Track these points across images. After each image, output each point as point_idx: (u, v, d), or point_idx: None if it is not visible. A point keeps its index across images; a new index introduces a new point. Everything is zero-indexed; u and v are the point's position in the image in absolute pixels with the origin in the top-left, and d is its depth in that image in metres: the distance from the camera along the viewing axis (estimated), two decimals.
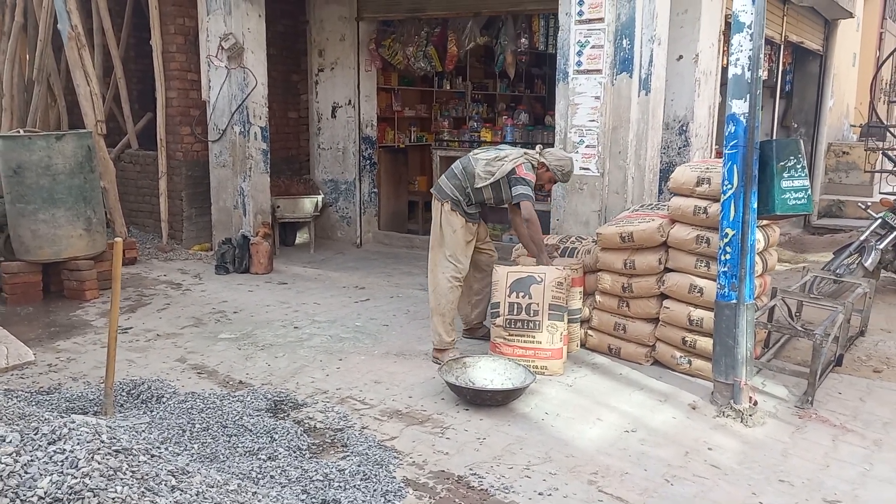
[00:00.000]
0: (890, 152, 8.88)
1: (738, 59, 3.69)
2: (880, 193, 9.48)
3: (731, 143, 3.73)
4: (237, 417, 3.52)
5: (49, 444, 1.88)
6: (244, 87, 7.10)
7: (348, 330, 5.20)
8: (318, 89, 8.47)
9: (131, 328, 5.17)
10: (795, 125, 10.53)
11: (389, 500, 2.89)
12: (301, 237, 8.49)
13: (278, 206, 7.70)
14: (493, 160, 4.53)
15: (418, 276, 6.93)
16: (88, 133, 6.09)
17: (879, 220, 6.08)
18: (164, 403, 3.68)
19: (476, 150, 4.76)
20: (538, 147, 4.72)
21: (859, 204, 7.30)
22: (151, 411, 3.59)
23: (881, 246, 5.94)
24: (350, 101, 8.26)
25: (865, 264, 5.83)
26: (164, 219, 7.76)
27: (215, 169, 7.46)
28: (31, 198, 5.59)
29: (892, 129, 10.42)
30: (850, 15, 10.26)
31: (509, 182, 4.47)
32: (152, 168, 7.88)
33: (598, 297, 4.74)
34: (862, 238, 6.11)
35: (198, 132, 7.65)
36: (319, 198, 8.05)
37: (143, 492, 1.81)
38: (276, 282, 6.66)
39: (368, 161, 8.43)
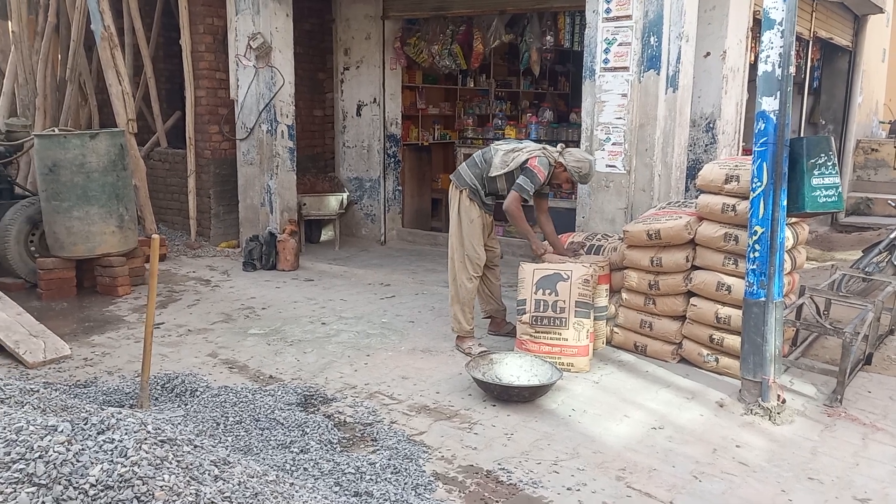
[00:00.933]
0: None
1: (768, 56, 3.67)
2: None
3: (760, 141, 3.71)
4: (269, 411, 3.59)
5: (98, 433, 1.95)
6: (272, 86, 7.19)
7: (375, 326, 5.26)
8: (344, 87, 8.54)
9: (163, 323, 5.27)
10: (823, 122, 10.42)
11: (420, 494, 2.93)
12: (326, 234, 8.57)
13: (304, 204, 7.79)
14: (510, 151, 4.61)
15: (442, 273, 6.95)
16: (121, 132, 6.21)
17: None
18: (197, 397, 3.76)
19: (499, 141, 4.82)
20: (560, 146, 4.74)
21: (889, 202, 7.22)
22: (186, 405, 3.67)
23: None
24: (375, 99, 8.32)
25: (895, 262, 5.77)
26: (193, 216, 7.88)
27: (243, 167, 7.56)
28: (65, 195, 5.71)
29: None
30: (881, 10, 10.12)
31: (522, 172, 4.51)
32: (181, 166, 8.01)
33: (624, 295, 4.75)
34: (892, 236, 6.05)
35: (226, 130, 7.76)
36: (344, 195, 8.12)
37: (188, 480, 1.87)
38: (302, 278, 6.74)
39: (393, 159, 8.48)
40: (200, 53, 7.65)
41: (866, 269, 5.80)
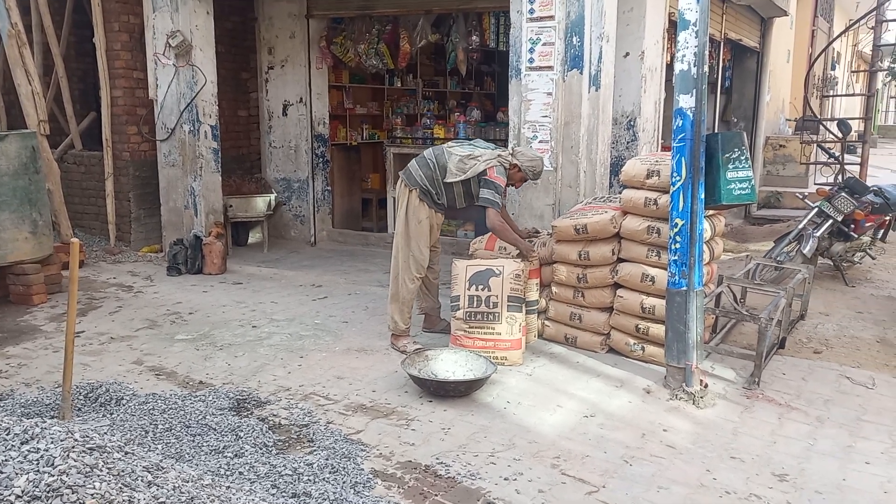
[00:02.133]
0: (825, 144, 9.30)
1: (684, 56, 3.83)
2: (816, 184, 9.92)
3: (679, 137, 3.87)
4: (200, 417, 3.51)
5: (22, 443, 1.86)
6: (193, 86, 7.00)
7: (308, 328, 5.20)
8: (269, 87, 8.40)
9: (83, 332, 5.06)
10: (735, 120, 10.91)
11: (359, 492, 2.93)
12: (254, 237, 8.41)
13: (230, 206, 7.62)
14: (466, 157, 4.56)
15: (375, 273, 6.96)
16: (32, 133, 5.92)
17: (816, 210, 6.37)
18: (123, 405, 3.64)
19: (451, 143, 4.80)
20: (511, 146, 4.80)
21: (797, 194, 7.63)
22: (111, 414, 3.54)
23: (818, 234, 6.23)
24: (301, 98, 8.22)
25: (804, 251, 6.11)
26: (112, 220, 7.58)
27: (164, 168, 7.33)
28: None
29: (825, 123, 10.90)
30: (785, 13, 10.68)
31: (479, 182, 4.53)
32: (97, 169, 7.69)
33: (554, 289, 4.86)
34: (800, 227, 6.39)
35: (145, 131, 7.50)
36: (272, 196, 7.99)
37: (120, 487, 1.81)
38: (230, 282, 6.59)
39: (321, 159, 8.40)
40: (116, 52, 7.37)
41: (778, 259, 6.12)
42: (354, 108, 9.19)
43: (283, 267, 7.19)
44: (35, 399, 3.73)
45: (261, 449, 3.25)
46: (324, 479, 2.97)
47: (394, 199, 8.14)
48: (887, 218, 6.72)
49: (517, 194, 5.56)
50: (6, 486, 1.69)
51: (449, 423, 3.66)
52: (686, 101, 3.84)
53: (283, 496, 2.75)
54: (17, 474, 1.73)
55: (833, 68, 16.06)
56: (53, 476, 1.74)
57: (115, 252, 7.44)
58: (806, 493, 3.06)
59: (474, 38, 7.82)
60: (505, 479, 3.13)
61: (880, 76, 12.44)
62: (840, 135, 9.04)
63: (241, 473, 2.93)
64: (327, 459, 3.16)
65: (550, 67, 5.30)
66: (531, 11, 5.30)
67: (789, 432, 3.63)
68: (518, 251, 4.69)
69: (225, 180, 7.56)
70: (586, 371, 4.40)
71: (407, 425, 3.64)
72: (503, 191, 4.59)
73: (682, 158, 3.86)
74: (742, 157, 3.94)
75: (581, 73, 5.25)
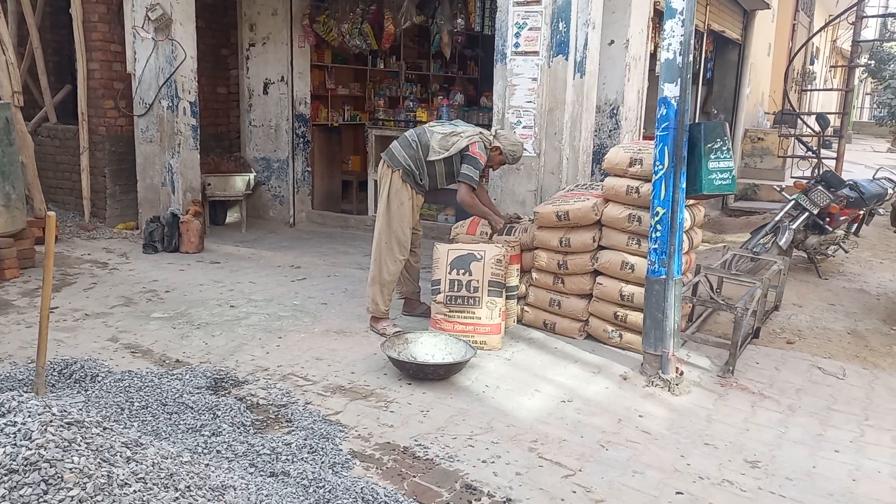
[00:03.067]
0: (803, 138, 9.41)
1: (669, 44, 3.84)
2: (792, 177, 10.06)
3: (662, 126, 3.89)
4: (177, 395, 3.48)
5: None
6: (172, 61, 6.88)
7: (286, 308, 5.17)
8: (250, 64, 8.28)
9: (57, 308, 4.98)
10: (715, 111, 11.00)
11: (337, 472, 2.93)
12: (232, 216, 8.33)
13: (209, 184, 7.53)
14: (448, 135, 4.59)
15: (354, 255, 6.93)
16: (6, 104, 5.78)
17: (792, 202, 6.45)
18: (99, 382, 3.59)
19: (432, 123, 4.82)
20: (494, 129, 4.80)
21: (775, 187, 7.72)
22: (86, 391, 3.50)
23: (794, 226, 6.31)
24: (283, 77, 8.11)
25: (780, 243, 6.19)
26: (86, 196, 7.46)
27: (141, 144, 7.22)
28: None
29: (802, 117, 11.02)
30: (767, 6, 10.75)
31: (462, 159, 4.54)
32: (72, 143, 7.55)
33: (534, 275, 4.88)
34: (776, 219, 6.47)
35: (122, 106, 7.37)
36: (251, 176, 7.91)
37: (99, 462, 1.79)
38: (207, 261, 6.52)
39: (302, 139, 8.32)
40: (93, 24, 7.21)
41: (754, 250, 6.19)
42: (336, 89, 9.11)
43: (261, 247, 7.12)
44: (7, 374, 3.66)
45: (238, 428, 3.23)
46: (302, 458, 2.96)
47: (375, 181, 8.10)
48: (861, 212, 6.83)
49: (499, 179, 5.56)
50: None
51: (428, 405, 3.67)
52: (671, 91, 3.85)
53: (262, 475, 2.74)
54: None
55: (812, 63, 16.24)
56: (31, 450, 1.72)
57: (90, 228, 7.32)
58: (777, 479, 3.12)
59: (459, 21, 7.77)
60: (483, 461, 3.15)
61: (857, 72, 12.59)
62: (819, 129, 9.16)
63: (218, 452, 2.92)
64: (305, 440, 3.16)
65: (536, 53, 5.28)
66: None
67: (761, 420, 3.69)
68: (491, 226, 4.72)
69: (203, 158, 7.46)
70: (564, 357, 4.44)
71: (386, 407, 3.64)
72: (482, 167, 4.60)
73: (666, 147, 3.88)
74: (724, 148, 3.97)
75: (566, 59, 5.24)
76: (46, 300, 3.22)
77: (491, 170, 4.93)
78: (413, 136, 4.67)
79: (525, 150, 5.29)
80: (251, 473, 2.69)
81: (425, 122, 8.16)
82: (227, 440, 3.04)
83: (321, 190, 8.69)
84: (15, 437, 1.76)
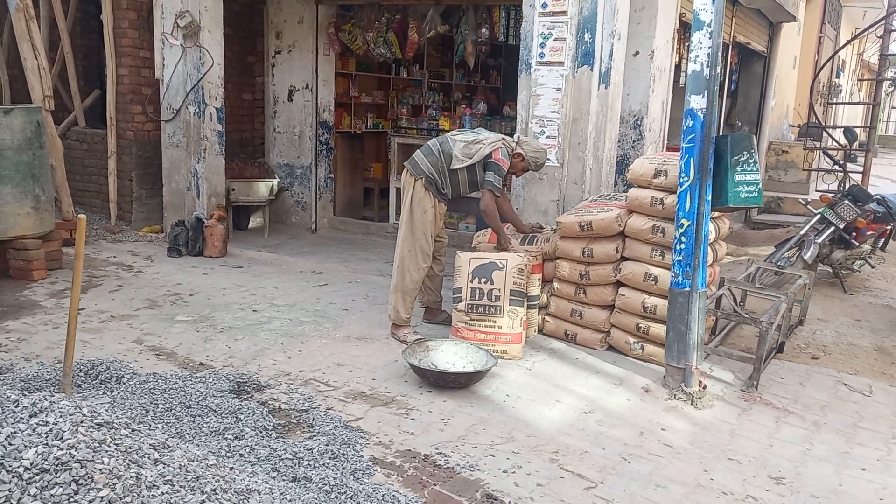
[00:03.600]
0: (829, 151, 9.30)
1: (697, 56, 3.83)
2: (817, 191, 9.94)
3: (688, 137, 3.87)
4: (200, 398, 3.51)
5: (31, 416, 1.85)
6: (200, 67, 6.97)
7: (308, 314, 5.20)
8: (275, 72, 8.36)
9: (83, 309, 5.04)
10: (739, 123, 10.91)
11: (358, 478, 2.93)
12: (255, 221, 8.39)
13: (233, 189, 7.60)
14: (471, 143, 4.60)
15: (375, 262, 6.96)
16: (37, 108, 5.88)
17: (818, 216, 6.38)
18: (124, 384, 3.63)
19: (454, 132, 4.84)
20: (517, 136, 4.81)
21: (800, 200, 7.65)
22: (112, 392, 3.54)
23: (819, 240, 6.24)
24: (307, 84, 8.19)
25: (805, 257, 6.12)
26: (113, 199, 7.56)
27: (168, 149, 7.30)
28: None
29: (828, 130, 10.90)
30: (794, 18, 10.67)
31: (485, 166, 4.55)
32: (100, 147, 7.66)
33: (556, 284, 4.86)
34: (801, 232, 6.41)
35: (150, 111, 7.47)
36: (275, 182, 7.97)
37: (128, 464, 1.81)
38: (231, 265, 6.58)
39: (325, 146, 8.38)
40: (123, 30, 7.33)
41: (779, 263, 6.13)
42: (360, 97, 9.16)
43: (283, 252, 7.17)
44: (35, 374, 3.72)
45: (261, 432, 3.25)
46: (324, 464, 2.97)
47: (397, 189, 8.14)
48: (888, 227, 6.74)
49: (522, 189, 5.56)
50: (15, 459, 1.69)
51: (448, 413, 3.67)
52: (697, 102, 3.84)
53: (284, 479, 2.76)
54: (25, 447, 1.73)
55: (838, 76, 16.07)
56: (62, 450, 1.75)
57: (116, 231, 7.42)
58: (802, 496, 3.08)
59: (484, 30, 7.79)
60: (504, 471, 3.14)
61: (884, 85, 12.44)
62: (846, 142, 9.05)
63: (241, 455, 2.94)
64: (327, 445, 3.17)
65: (561, 63, 5.29)
66: (544, 6, 5.29)
67: (786, 436, 3.65)
68: (498, 242, 4.73)
69: (228, 164, 7.54)
70: (585, 368, 4.41)
71: (406, 414, 3.64)
72: (505, 174, 4.60)
73: (692, 159, 3.86)
74: (751, 160, 3.94)
75: (591, 69, 5.24)
76: (75, 302, 3.27)
77: (514, 177, 4.93)
78: (436, 144, 4.69)
79: (548, 159, 5.29)
80: (274, 478, 2.71)
81: (448, 131, 8.21)
82: (249, 444, 3.06)
83: (343, 196, 8.74)
84: (47, 437, 1.78)
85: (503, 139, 4.65)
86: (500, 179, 4.55)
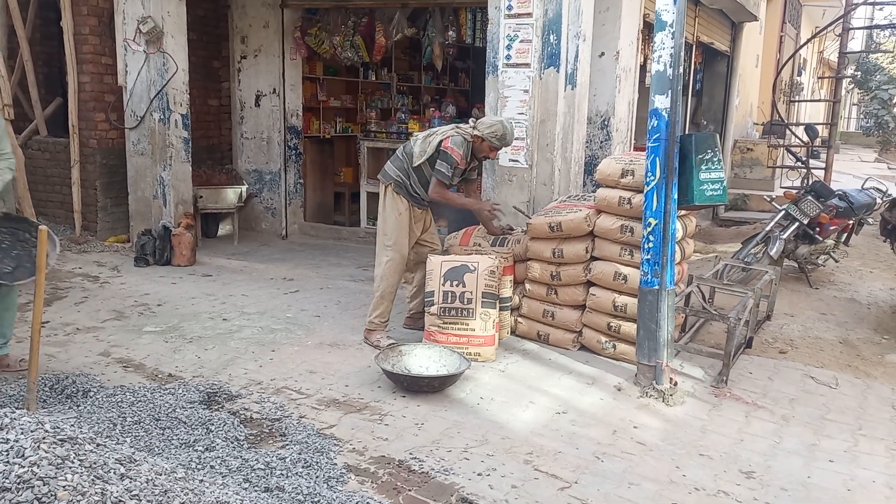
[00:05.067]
0: (792, 148, 9.48)
1: (660, 56, 3.87)
2: (782, 188, 10.12)
3: (654, 137, 3.91)
4: (170, 410, 3.46)
5: None
6: (164, 73, 6.87)
7: (279, 321, 5.15)
8: (241, 77, 8.28)
9: (48, 322, 4.94)
10: (705, 122, 11.07)
11: (332, 486, 2.91)
12: (224, 228, 8.30)
13: (200, 197, 7.50)
14: (426, 136, 4.62)
15: (347, 267, 6.92)
16: None
17: (783, 212, 6.49)
18: (91, 398, 3.57)
19: (417, 133, 4.82)
20: (471, 120, 4.67)
21: (765, 197, 7.77)
22: (78, 406, 3.47)
23: (784, 236, 6.34)
24: (274, 89, 8.12)
25: (771, 253, 6.22)
26: (77, 209, 7.41)
27: (133, 157, 7.19)
28: None
29: (791, 127, 11.11)
30: (755, 18, 10.86)
31: (438, 156, 4.51)
32: (63, 156, 7.51)
33: (527, 286, 4.88)
34: (767, 229, 6.51)
35: (113, 119, 7.35)
36: (243, 188, 7.89)
37: (93, 479, 1.77)
38: (199, 274, 6.50)
39: (294, 151, 8.31)
40: (84, 36, 7.19)
41: (745, 260, 6.22)
42: (328, 101, 9.12)
43: (253, 259, 7.10)
44: None
45: (232, 443, 3.21)
46: (297, 473, 2.94)
47: (368, 193, 8.12)
48: (850, 222, 6.88)
49: (492, 191, 5.57)
50: None
51: (422, 418, 3.66)
52: (661, 102, 3.88)
53: (256, 490, 2.72)
54: None
55: (800, 74, 16.39)
56: (24, 468, 1.70)
57: (81, 241, 7.28)
58: (772, 489, 3.13)
59: (451, 33, 7.81)
60: (478, 474, 3.14)
61: (844, 83, 12.72)
62: (807, 139, 9.23)
63: (212, 467, 2.89)
64: (300, 454, 3.14)
65: (527, 65, 5.31)
66: (509, 8, 5.31)
67: (756, 430, 3.70)
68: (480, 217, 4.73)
69: (195, 171, 7.45)
70: (558, 368, 4.43)
71: (380, 420, 3.62)
72: (457, 163, 4.48)
73: (657, 158, 3.90)
74: (715, 159, 4.00)
75: (558, 71, 5.27)
76: (38, 315, 3.20)
77: (488, 158, 4.80)
78: (401, 150, 4.74)
79: (517, 161, 5.31)
80: (245, 489, 2.67)
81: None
82: (220, 455, 3.02)
83: (313, 202, 8.68)
84: (8, 455, 1.74)
85: (455, 127, 4.61)
86: (448, 166, 4.47)
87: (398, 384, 3.98)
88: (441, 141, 4.52)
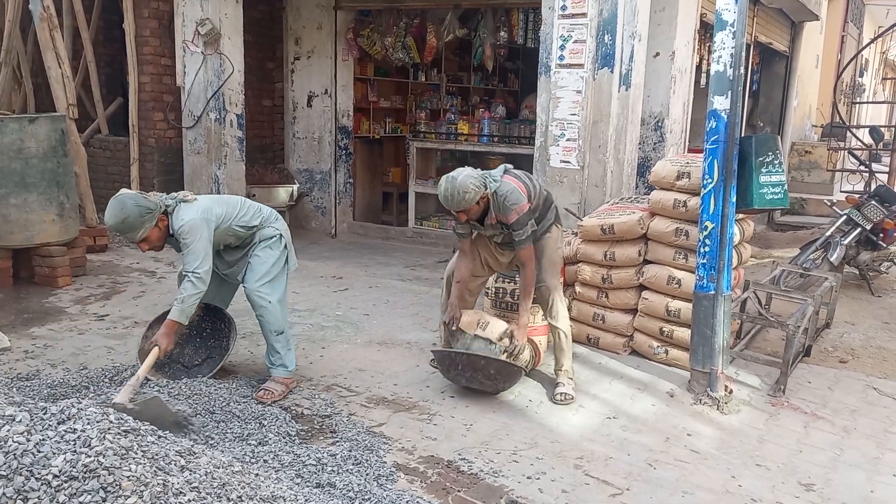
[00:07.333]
0: (855, 151, 9.17)
1: (720, 57, 3.78)
2: (842, 192, 9.80)
3: (712, 139, 3.82)
4: (224, 404, 3.52)
5: (59, 423, 1.87)
6: (220, 74, 7.02)
7: (329, 319, 5.20)
8: (294, 77, 8.41)
9: (107, 315, 5.09)
10: (762, 124, 10.79)
11: (382, 485, 2.92)
12: None
13: (253, 195, 7.62)
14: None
15: (395, 266, 6.96)
16: (62, 116, 5.95)
17: (844, 217, 6.28)
18: (147, 388, 3.64)
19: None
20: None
21: (825, 201, 7.55)
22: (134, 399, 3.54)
23: (845, 242, 6.14)
24: (326, 90, 8.22)
25: (831, 259, 6.03)
26: None
27: (189, 156, 7.36)
28: (2, 182, 5.44)
29: (852, 130, 10.75)
30: (816, 17, 10.54)
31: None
32: (123, 154, 7.74)
33: (577, 288, 4.82)
34: (827, 234, 6.31)
35: (171, 118, 7.54)
36: (294, 187, 8.01)
37: (155, 470, 1.82)
38: None
39: (344, 151, 8.40)
40: (145, 38, 7.40)
41: (804, 266, 6.04)
42: (378, 101, 9.19)
43: (303, 257, 7.15)
44: (61, 380, 3.75)
45: (284, 438, 3.25)
46: (347, 470, 2.96)
47: (416, 193, 8.16)
48: None
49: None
50: (44, 466, 1.70)
51: (471, 419, 3.65)
52: (721, 103, 3.79)
53: (308, 485, 2.75)
54: (54, 454, 1.74)
55: (861, 75, 15.85)
56: (90, 457, 1.75)
57: None
58: (833, 503, 3.02)
59: (502, 33, 7.78)
60: (528, 477, 3.11)
61: None
62: (871, 142, 8.91)
63: (265, 461, 2.93)
64: (350, 451, 3.16)
65: (581, 65, 5.25)
66: (563, 8, 5.26)
67: (815, 441, 3.58)
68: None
69: (248, 169, 7.59)
70: (608, 372, 4.37)
71: (429, 420, 3.63)
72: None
73: (715, 161, 3.81)
74: (776, 161, 3.88)
75: (612, 71, 5.20)
76: None
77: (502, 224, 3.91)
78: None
79: (568, 162, 5.26)
80: (298, 484, 2.70)
81: (467, 135, 8.19)
82: (273, 450, 3.06)
83: (362, 201, 8.76)
84: (75, 445, 1.79)
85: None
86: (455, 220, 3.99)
87: (449, 371, 3.84)
88: None
